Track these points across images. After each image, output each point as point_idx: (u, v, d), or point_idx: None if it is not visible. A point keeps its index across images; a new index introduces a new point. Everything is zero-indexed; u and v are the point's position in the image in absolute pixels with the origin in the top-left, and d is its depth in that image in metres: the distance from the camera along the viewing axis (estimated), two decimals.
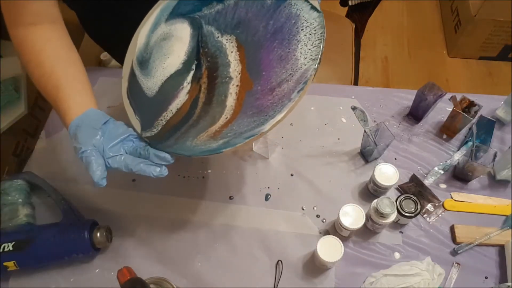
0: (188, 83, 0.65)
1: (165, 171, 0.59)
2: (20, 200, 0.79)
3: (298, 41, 0.59)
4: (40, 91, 0.66)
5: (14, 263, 0.72)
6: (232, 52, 0.64)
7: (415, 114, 0.92)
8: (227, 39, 0.65)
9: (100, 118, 0.63)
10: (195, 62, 0.66)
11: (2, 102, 1.14)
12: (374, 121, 0.93)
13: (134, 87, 0.67)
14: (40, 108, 1.30)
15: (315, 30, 0.58)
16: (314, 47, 0.57)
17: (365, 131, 0.81)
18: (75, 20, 0.91)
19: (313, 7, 0.59)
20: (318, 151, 0.90)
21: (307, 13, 0.59)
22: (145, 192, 0.86)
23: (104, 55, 1.66)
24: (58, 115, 0.65)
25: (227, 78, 0.62)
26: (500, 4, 1.67)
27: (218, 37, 0.66)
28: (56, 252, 0.74)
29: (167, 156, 0.59)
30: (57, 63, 0.66)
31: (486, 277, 0.74)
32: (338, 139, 0.91)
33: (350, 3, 1.28)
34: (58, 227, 0.76)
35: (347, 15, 1.38)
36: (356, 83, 1.27)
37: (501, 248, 0.76)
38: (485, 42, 1.86)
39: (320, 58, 0.56)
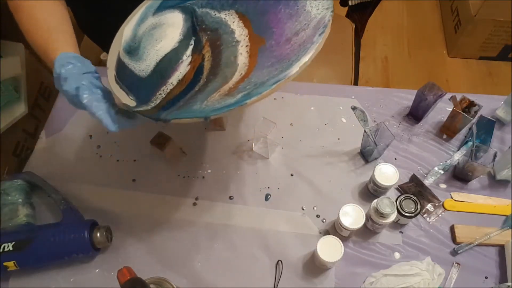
0: (188, 56, 0.64)
1: (115, 129, 0.56)
2: (20, 200, 0.79)
3: None
4: (29, 39, 0.66)
5: (14, 263, 0.72)
6: (234, 22, 0.64)
7: (415, 114, 0.92)
8: (226, 14, 0.65)
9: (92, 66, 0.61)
10: (193, 38, 0.65)
11: (2, 102, 1.14)
12: (374, 121, 0.93)
13: (123, 73, 0.65)
14: (40, 108, 1.30)
15: None
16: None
17: (365, 131, 0.81)
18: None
19: None
20: (318, 151, 0.90)
21: None
22: (145, 192, 0.86)
23: (104, 55, 1.66)
24: (47, 54, 0.62)
25: (234, 42, 0.62)
26: (500, 4, 1.67)
27: (215, 14, 0.65)
28: (56, 252, 0.74)
29: (126, 123, 0.58)
30: (49, 15, 0.66)
31: (486, 277, 0.74)
32: (338, 139, 0.91)
33: (350, 3, 1.28)
34: (58, 227, 0.76)
35: (347, 15, 1.38)
36: (356, 83, 1.27)
37: (501, 248, 0.76)
38: (485, 42, 1.86)
39: (333, 7, 0.56)
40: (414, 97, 0.89)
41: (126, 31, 0.69)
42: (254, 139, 0.89)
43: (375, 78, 1.94)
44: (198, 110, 0.57)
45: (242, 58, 0.60)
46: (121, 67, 0.66)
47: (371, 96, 0.97)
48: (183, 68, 0.63)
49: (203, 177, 0.87)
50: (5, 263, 0.71)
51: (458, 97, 0.86)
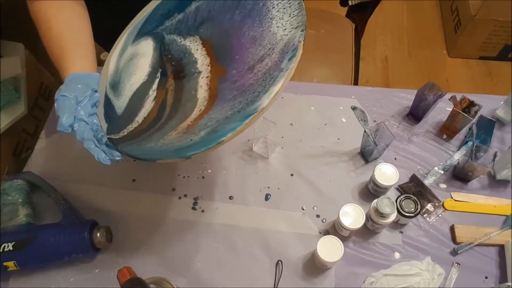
0: (154, 91, 0.64)
1: (107, 161, 0.58)
2: (20, 200, 0.79)
3: (271, 18, 0.57)
4: (48, 53, 0.67)
5: (14, 263, 0.72)
6: (197, 49, 0.63)
7: (415, 114, 0.92)
8: (190, 40, 0.64)
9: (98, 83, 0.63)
10: (160, 70, 0.65)
11: (2, 102, 1.14)
12: (374, 121, 0.93)
13: (109, 110, 0.65)
14: (40, 108, 1.30)
15: (289, 4, 0.56)
16: (292, 17, 0.55)
17: (365, 131, 0.81)
18: None
19: None
20: (318, 151, 0.90)
21: None
22: (145, 192, 0.86)
23: (104, 55, 1.66)
24: (60, 73, 0.65)
25: (196, 74, 0.61)
26: (500, 4, 1.67)
27: (181, 41, 0.65)
28: (56, 252, 0.74)
29: (115, 153, 0.59)
30: (66, 28, 0.67)
31: (486, 277, 0.74)
32: (338, 139, 0.91)
33: (350, 3, 1.28)
34: (58, 227, 0.76)
35: (347, 15, 1.38)
36: (356, 83, 1.27)
37: (501, 248, 0.76)
38: (485, 42, 1.86)
39: (305, 25, 0.53)
40: (414, 97, 0.89)
41: (111, 63, 0.69)
42: (254, 139, 0.89)
43: (375, 78, 1.94)
44: (152, 149, 0.56)
45: (202, 92, 0.58)
46: (107, 103, 0.66)
47: (371, 96, 0.97)
48: (148, 104, 0.62)
49: (203, 177, 0.87)
50: (5, 263, 0.71)
51: (458, 97, 0.86)
